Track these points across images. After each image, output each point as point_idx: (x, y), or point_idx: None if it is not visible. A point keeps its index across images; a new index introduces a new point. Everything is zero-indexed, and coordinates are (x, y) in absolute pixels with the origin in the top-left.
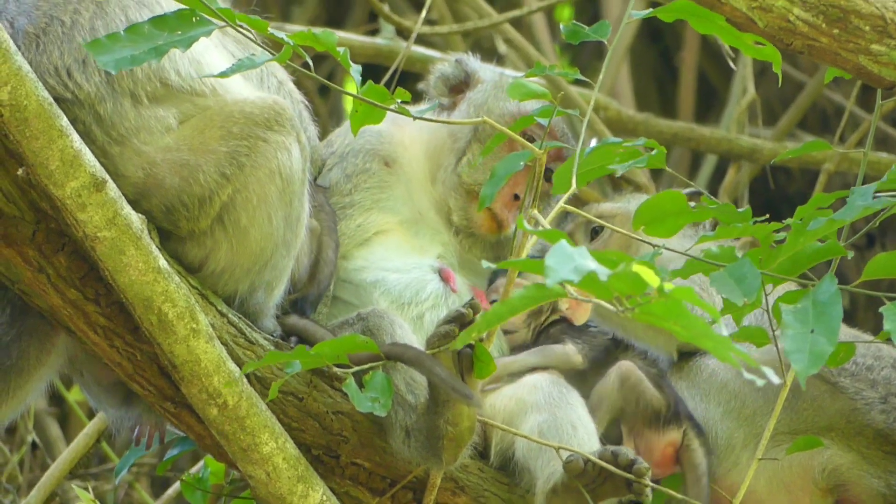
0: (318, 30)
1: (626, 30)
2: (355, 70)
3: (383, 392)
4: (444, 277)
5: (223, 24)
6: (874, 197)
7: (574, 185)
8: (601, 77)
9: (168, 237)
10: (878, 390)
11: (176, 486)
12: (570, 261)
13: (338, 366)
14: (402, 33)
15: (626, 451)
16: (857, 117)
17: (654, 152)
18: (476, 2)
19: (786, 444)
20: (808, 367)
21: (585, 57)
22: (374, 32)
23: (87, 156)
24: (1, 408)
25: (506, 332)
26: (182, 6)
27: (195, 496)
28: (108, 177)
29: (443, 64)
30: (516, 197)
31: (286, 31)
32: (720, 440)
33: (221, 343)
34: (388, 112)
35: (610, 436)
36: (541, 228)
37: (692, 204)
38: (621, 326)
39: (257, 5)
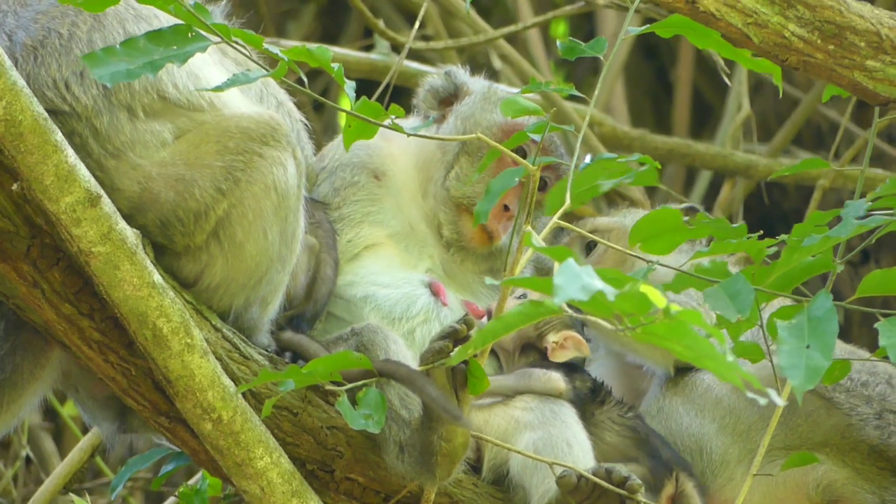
0: (313, 46)
1: (621, 46)
2: (349, 87)
3: (377, 409)
4: (434, 291)
5: (218, 40)
6: (868, 213)
7: (568, 202)
8: (596, 93)
9: (163, 252)
10: (873, 406)
11: (170, 501)
12: (578, 280)
13: (331, 382)
14: (397, 49)
15: (620, 468)
16: (852, 134)
17: (644, 168)
18: (471, 17)
19: (780, 460)
20: (804, 383)
21: (580, 73)
22: (369, 48)
23: (82, 171)
24: None
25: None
26: (179, 21)
27: None
28: (102, 192)
29: (432, 76)
30: (506, 208)
31: (281, 47)
32: (715, 456)
33: (216, 358)
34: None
35: None
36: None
37: (687, 219)
38: (618, 341)
39: (252, 21)
